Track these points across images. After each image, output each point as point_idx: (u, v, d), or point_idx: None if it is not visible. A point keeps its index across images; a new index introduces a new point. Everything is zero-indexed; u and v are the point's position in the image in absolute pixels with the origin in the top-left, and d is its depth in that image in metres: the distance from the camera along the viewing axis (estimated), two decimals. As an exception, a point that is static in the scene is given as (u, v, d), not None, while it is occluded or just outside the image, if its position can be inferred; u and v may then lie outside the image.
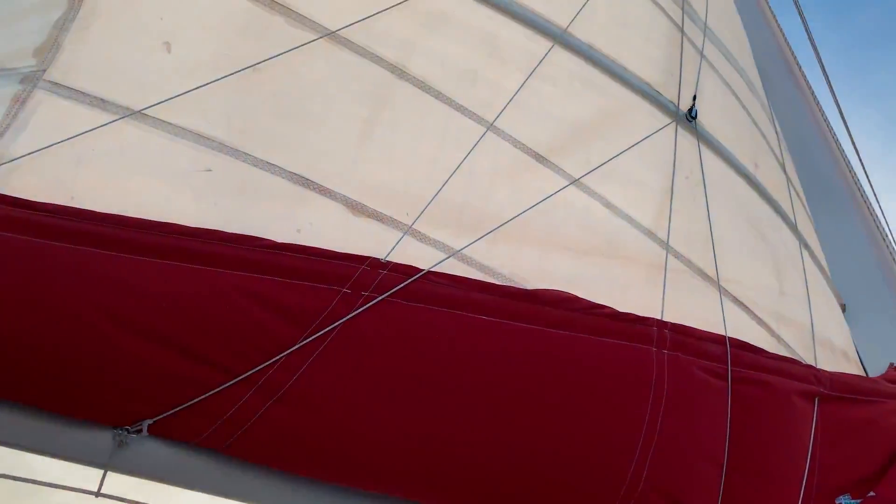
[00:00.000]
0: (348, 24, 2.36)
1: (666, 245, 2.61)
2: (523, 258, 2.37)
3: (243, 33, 2.25)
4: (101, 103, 2.01)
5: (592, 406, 2.05)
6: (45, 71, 1.98)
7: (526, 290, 2.21)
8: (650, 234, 2.62)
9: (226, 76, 2.15)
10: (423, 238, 2.26)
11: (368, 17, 2.40)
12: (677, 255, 2.62)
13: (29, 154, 1.84)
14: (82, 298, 1.69)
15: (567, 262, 2.42)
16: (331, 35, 2.35)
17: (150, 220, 1.87)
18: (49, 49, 2.01)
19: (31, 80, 1.95)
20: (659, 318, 2.33)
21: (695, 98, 3.12)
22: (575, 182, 2.50)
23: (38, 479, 2.02)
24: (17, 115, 1.89)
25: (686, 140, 2.97)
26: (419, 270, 2.04)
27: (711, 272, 2.69)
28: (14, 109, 1.89)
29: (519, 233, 2.38)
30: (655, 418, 2.04)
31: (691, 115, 3.06)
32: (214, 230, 1.93)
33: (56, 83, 1.98)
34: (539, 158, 2.53)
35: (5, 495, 2.61)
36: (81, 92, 2.00)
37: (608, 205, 2.57)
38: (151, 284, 1.76)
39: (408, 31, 2.50)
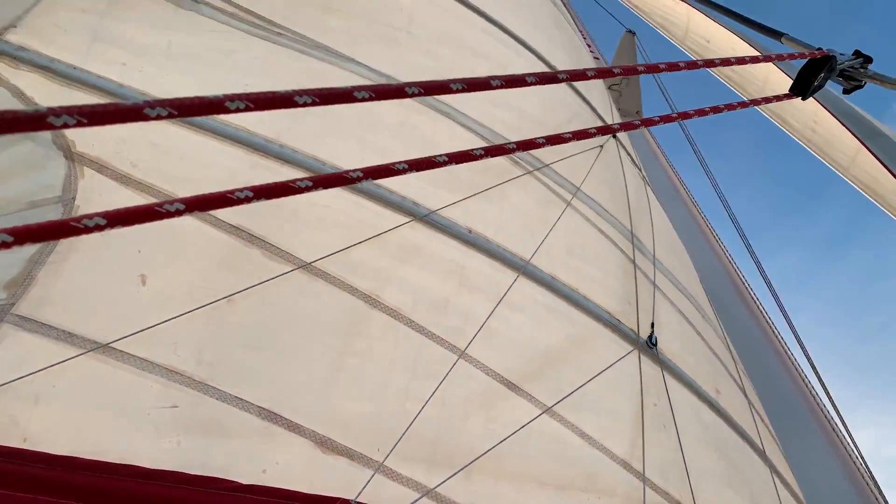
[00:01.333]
0: (323, 256, 2.42)
1: (643, 477, 2.53)
2: (501, 494, 2.26)
3: (220, 265, 2.28)
4: (67, 337, 1.95)
5: None
6: (13, 304, 1.94)
7: None
8: (626, 466, 2.56)
9: (198, 308, 2.14)
10: (394, 476, 2.15)
11: (344, 249, 2.48)
12: (654, 488, 2.55)
13: (-16, 392, 1.74)
14: None
15: (546, 498, 2.31)
16: (306, 267, 2.39)
17: (104, 462, 1.75)
18: (21, 283, 1.98)
19: (-2, 314, 1.90)
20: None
21: (653, 325, 3.22)
22: (548, 411, 2.47)
23: None
24: (-22, 350, 1.81)
25: (650, 367, 3.02)
26: None
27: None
28: (-25, 344, 1.82)
29: (494, 466, 2.29)
30: None
31: (651, 343, 3.14)
32: (173, 472, 1.81)
33: (23, 317, 1.93)
34: (511, 387, 2.51)
35: None
36: (49, 325, 1.95)
37: (582, 434, 2.52)
38: None
39: (381, 262, 2.57)
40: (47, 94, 2.40)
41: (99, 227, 1.02)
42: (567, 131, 1.65)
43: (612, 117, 4.48)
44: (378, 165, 1.31)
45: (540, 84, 1.48)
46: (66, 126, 0.94)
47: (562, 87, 4.15)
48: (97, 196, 2.25)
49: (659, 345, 3.17)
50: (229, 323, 2.21)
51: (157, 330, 2.05)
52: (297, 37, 2.90)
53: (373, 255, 2.57)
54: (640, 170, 4.60)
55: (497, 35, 3.86)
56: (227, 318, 2.22)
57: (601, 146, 3.89)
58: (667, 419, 2.84)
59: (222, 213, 2.39)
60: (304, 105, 1.19)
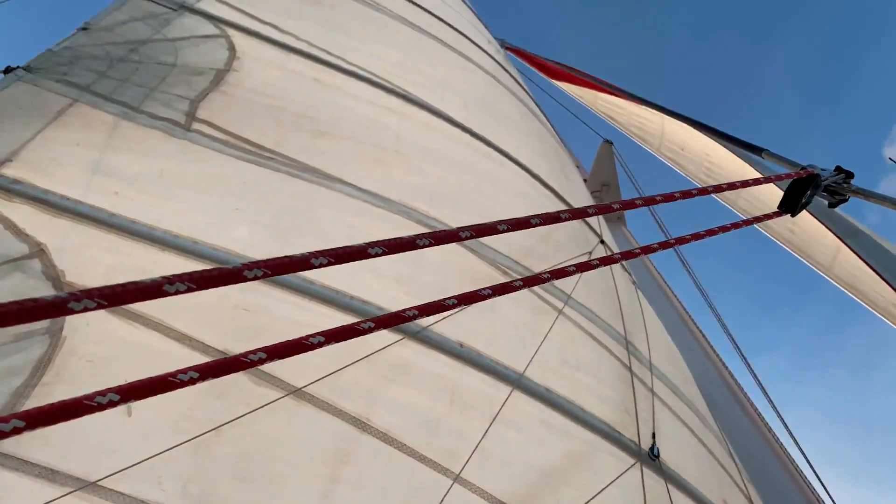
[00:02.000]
0: (313, 380, 2.39)
1: None
2: None
3: (207, 393, 2.24)
4: (49, 474, 1.89)
5: None
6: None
7: None
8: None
9: (184, 442, 2.09)
10: None
11: (333, 372, 2.45)
12: None
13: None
14: None
15: None
16: (295, 392, 2.36)
17: None
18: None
19: (-23, 452, 1.85)
20: None
21: (654, 436, 3.15)
22: (548, 535, 2.38)
23: None
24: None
25: (653, 480, 2.93)
26: None
27: None
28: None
29: None
30: None
31: (654, 454, 3.06)
32: None
33: (4, 454, 1.88)
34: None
35: None
36: (30, 462, 1.89)
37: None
38: None
39: (370, 382, 2.53)
40: (39, 223, 2.44)
41: (112, 403, 1.03)
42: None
43: (600, 227, 4.55)
44: (392, 314, 1.33)
45: (544, 225, 1.53)
46: (86, 310, 0.95)
47: (548, 196, 4.24)
48: (84, 326, 2.24)
49: (661, 455, 3.09)
50: (216, 454, 2.16)
51: (142, 464, 2.00)
52: (286, 160, 2.98)
53: (363, 374, 2.54)
54: (629, 274, 4.63)
55: (482, 149, 3.97)
56: (213, 449, 2.16)
57: (589, 252, 3.94)
58: (673, 537, 2.73)
59: (209, 339, 2.37)
60: (374, 256, 1.25)
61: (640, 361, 3.62)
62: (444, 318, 2.84)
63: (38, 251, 2.34)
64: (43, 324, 2.20)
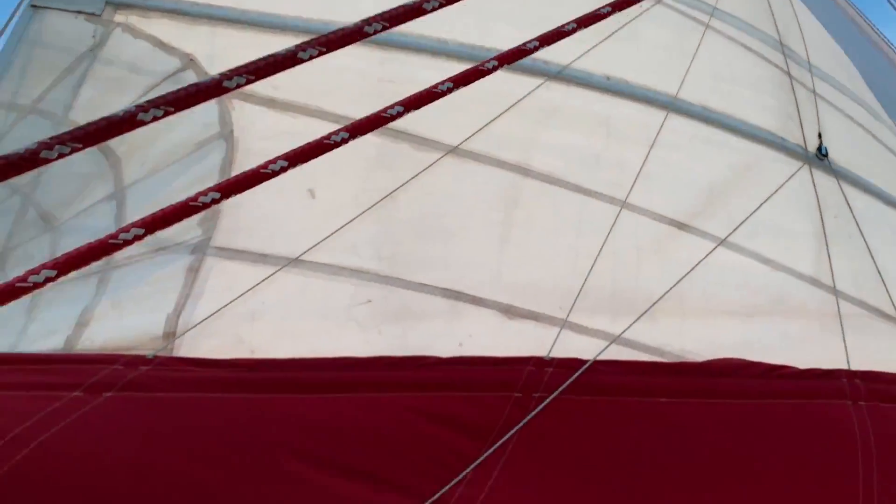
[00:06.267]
0: (467, 136, 2.45)
1: (834, 290, 2.46)
2: (688, 331, 2.28)
3: (375, 166, 2.37)
4: (262, 258, 2.14)
5: (797, 477, 1.90)
6: (210, 238, 2.14)
7: (697, 363, 2.12)
8: (815, 283, 2.49)
9: (367, 209, 2.25)
10: (580, 329, 2.23)
11: (485, 125, 2.49)
12: (849, 299, 2.47)
13: (208, 318, 1.96)
14: (271, 442, 1.74)
15: (735, 327, 2.31)
16: (454, 150, 2.43)
17: (321, 359, 1.94)
18: (211, 217, 2.18)
19: (200, 249, 2.12)
20: (846, 368, 2.18)
21: (820, 136, 3.01)
22: (723, 243, 2.43)
23: None
24: (194, 283, 2.04)
25: (824, 180, 2.85)
26: (584, 362, 2.00)
27: (890, 310, 2.51)
28: (190, 279, 2.04)
29: (677, 306, 2.31)
30: (870, 477, 1.86)
31: (821, 154, 2.95)
32: (383, 357, 1.97)
33: (221, 248, 2.14)
34: (681, 226, 2.48)
35: None
36: (245, 251, 2.14)
37: (764, 260, 2.47)
38: (332, 419, 1.80)
39: (524, 131, 2.56)
40: (180, 35, 2.52)
41: (283, 169, 1.11)
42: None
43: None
44: (512, 49, 1.30)
45: None
46: (238, 86, 1.00)
47: None
48: (250, 125, 2.38)
49: (830, 154, 2.97)
50: (397, 218, 2.32)
51: (335, 236, 2.19)
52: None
53: (515, 125, 2.56)
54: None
55: None
56: (393, 215, 2.32)
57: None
58: (851, 229, 2.70)
59: (363, 114, 2.45)
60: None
61: (799, 64, 3.37)
62: (582, 56, 2.74)
63: (189, 62, 2.45)
64: (216, 130, 2.36)
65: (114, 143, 2.39)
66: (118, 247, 1.03)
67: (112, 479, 1.62)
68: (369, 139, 2.42)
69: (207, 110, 2.37)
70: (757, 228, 2.52)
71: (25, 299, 2.19)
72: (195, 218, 2.17)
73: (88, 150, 0.78)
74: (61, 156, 0.76)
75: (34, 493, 1.57)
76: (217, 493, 1.68)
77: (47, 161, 0.76)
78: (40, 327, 2.06)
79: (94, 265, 2.19)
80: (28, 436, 1.57)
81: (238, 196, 2.24)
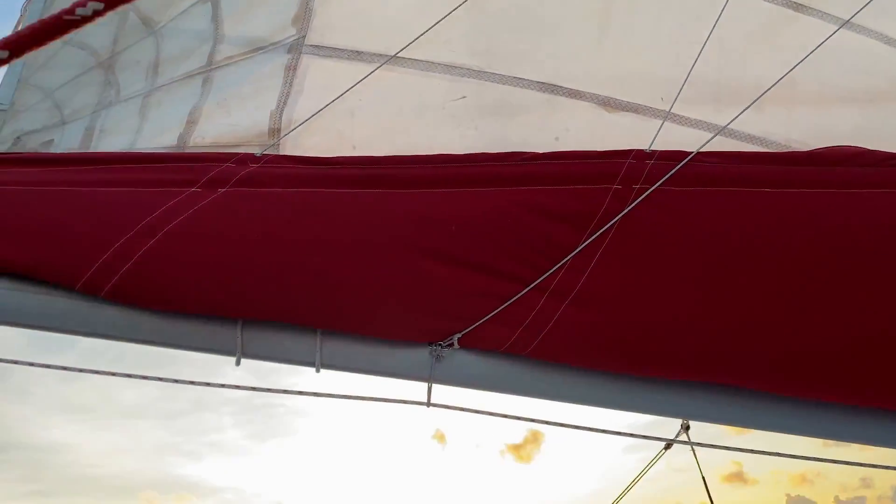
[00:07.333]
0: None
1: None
2: (796, 120, 2.18)
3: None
4: (357, 55, 2.15)
5: None
6: (304, 37, 2.16)
7: (807, 151, 2.04)
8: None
9: (460, 4, 2.18)
10: (683, 121, 2.16)
11: None
12: None
13: (312, 116, 2.03)
14: (387, 235, 1.85)
15: (849, 115, 2.19)
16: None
17: (424, 156, 1.99)
18: (303, 16, 2.18)
19: (296, 48, 2.14)
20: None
21: None
22: (846, 24, 2.23)
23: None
24: (293, 82, 2.09)
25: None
26: (686, 154, 1.96)
27: None
28: (289, 77, 2.09)
29: (787, 94, 2.18)
30: None
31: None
32: (482, 153, 2.00)
33: (316, 45, 2.15)
34: (797, 7, 2.28)
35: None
36: (339, 49, 2.15)
37: (889, 41, 2.27)
38: (441, 212, 1.88)
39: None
40: None
41: None
42: None
43: None
44: None
45: None
46: None
47: None
48: None
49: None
50: (488, 11, 2.25)
51: (429, 33, 2.16)
52: None
53: None
54: None
55: None
56: (484, 8, 2.25)
57: None
58: None
59: None
60: None
61: None
62: None
63: None
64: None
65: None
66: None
67: (235, 266, 1.78)
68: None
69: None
70: (887, 6, 2.29)
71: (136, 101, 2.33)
72: (287, 18, 2.20)
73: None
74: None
75: (163, 278, 1.75)
76: (338, 283, 1.84)
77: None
78: (153, 126, 2.19)
79: (198, 66, 2.27)
80: (156, 224, 1.72)
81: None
